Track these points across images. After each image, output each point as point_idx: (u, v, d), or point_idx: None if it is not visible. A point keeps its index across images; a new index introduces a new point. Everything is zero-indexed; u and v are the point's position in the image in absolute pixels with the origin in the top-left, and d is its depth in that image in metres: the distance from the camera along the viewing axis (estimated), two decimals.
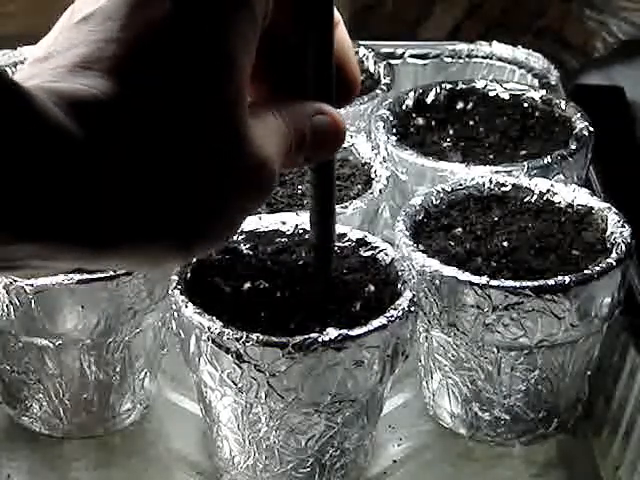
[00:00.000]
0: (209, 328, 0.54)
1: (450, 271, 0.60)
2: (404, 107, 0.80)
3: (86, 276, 0.59)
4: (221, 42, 0.41)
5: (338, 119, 0.48)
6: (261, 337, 0.53)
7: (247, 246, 0.62)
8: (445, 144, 0.76)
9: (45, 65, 0.40)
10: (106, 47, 0.40)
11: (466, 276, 0.59)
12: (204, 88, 0.40)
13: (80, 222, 0.37)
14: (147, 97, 0.39)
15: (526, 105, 0.80)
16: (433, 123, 0.79)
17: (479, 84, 0.82)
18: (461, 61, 0.95)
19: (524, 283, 0.59)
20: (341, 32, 0.50)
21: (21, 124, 0.35)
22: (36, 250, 0.37)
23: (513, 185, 0.68)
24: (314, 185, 0.52)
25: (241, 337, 0.53)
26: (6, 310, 0.60)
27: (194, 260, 0.60)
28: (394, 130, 0.77)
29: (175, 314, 0.57)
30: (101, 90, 0.38)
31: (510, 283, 0.59)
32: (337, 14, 0.49)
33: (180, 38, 0.40)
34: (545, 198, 0.67)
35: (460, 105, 0.80)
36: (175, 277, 0.59)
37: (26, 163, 0.35)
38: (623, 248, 0.62)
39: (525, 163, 0.71)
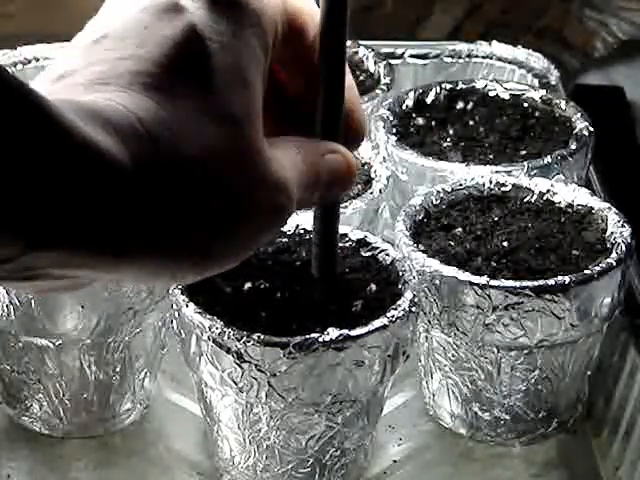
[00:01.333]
0: (210, 328, 0.54)
1: (450, 271, 0.60)
2: (404, 107, 0.79)
3: None
4: (235, 61, 0.41)
5: (350, 158, 0.48)
6: (262, 337, 0.53)
7: None
8: (445, 144, 0.76)
9: (62, 83, 0.40)
10: (123, 64, 0.40)
11: (466, 276, 0.59)
12: (218, 104, 0.40)
13: (100, 231, 0.37)
14: (174, 119, 0.39)
15: (526, 105, 0.80)
16: (433, 123, 0.79)
17: (479, 84, 0.82)
18: (461, 61, 0.95)
19: (524, 283, 0.59)
20: (353, 91, 0.49)
21: (55, 143, 0.35)
22: (54, 258, 0.37)
23: (513, 185, 0.68)
24: (319, 218, 0.53)
25: (242, 337, 0.53)
26: (6, 310, 0.60)
27: None
28: (394, 130, 0.77)
29: (175, 314, 0.57)
30: (133, 107, 0.38)
31: (510, 283, 0.59)
32: (351, 77, 0.49)
33: (195, 54, 0.40)
34: (545, 198, 0.67)
35: (460, 105, 0.80)
36: None
37: (56, 181, 0.35)
38: (623, 248, 0.62)
39: (525, 163, 0.71)
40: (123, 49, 0.40)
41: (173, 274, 0.41)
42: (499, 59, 0.95)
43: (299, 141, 0.47)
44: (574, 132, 0.75)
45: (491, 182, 0.68)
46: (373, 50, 0.89)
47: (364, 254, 0.61)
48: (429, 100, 0.81)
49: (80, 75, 0.40)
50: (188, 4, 0.42)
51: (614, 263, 0.61)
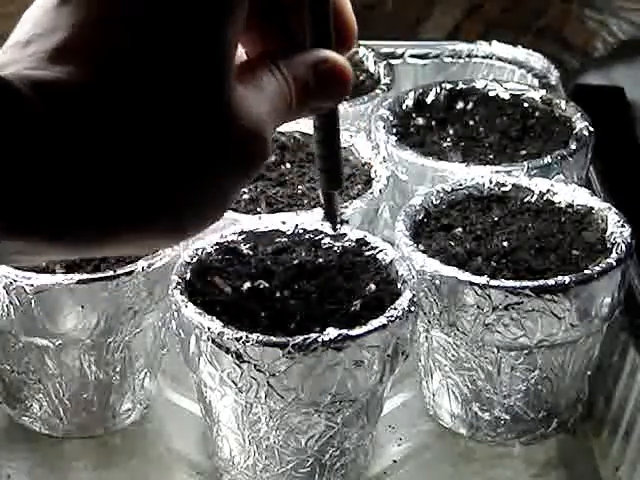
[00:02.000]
0: (209, 328, 0.54)
1: (450, 271, 0.60)
2: (404, 107, 0.80)
3: (86, 276, 0.59)
4: (201, 17, 0.40)
5: (343, 64, 0.47)
6: (261, 337, 0.53)
7: (247, 246, 0.62)
8: (445, 144, 0.76)
9: (25, 51, 0.40)
10: (85, 31, 0.39)
11: (466, 276, 0.59)
12: (183, 63, 0.40)
13: (69, 208, 0.37)
14: (124, 69, 0.39)
15: (526, 105, 0.80)
16: (433, 123, 0.79)
17: (479, 84, 0.82)
18: (461, 61, 0.95)
19: (524, 283, 0.59)
20: None
21: None
22: (19, 245, 0.36)
23: (513, 185, 0.68)
24: (319, 128, 0.51)
25: (241, 337, 0.53)
26: (6, 310, 0.60)
27: (194, 260, 0.60)
28: (394, 130, 0.77)
29: (175, 314, 0.57)
30: (73, 75, 0.38)
31: (510, 283, 0.59)
32: None
33: (164, 18, 0.40)
34: (545, 198, 0.67)
35: (460, 105, 0.80)
36: (175, 277, 0.59)
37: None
38: (623, 248, 0.62)
39: (525, 163, 0.71)
40: (86, 13, 0.40)
41: (151, 243, 0.41)
42: (499, 59, 0.95)
43: (284, 56, 0.46)
44: (574, 132, 0.75)
45: (491, 182, 0.68)
46: (373, 50, 0.89)
47: (364, 254, 0.61)
48: (429, 100, 0.81)
49: (43, 42, 0.40)
50: None
51: (614, 263, 0.61)
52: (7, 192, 0.35)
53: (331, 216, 0.55)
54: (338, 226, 0.57)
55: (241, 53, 0.47)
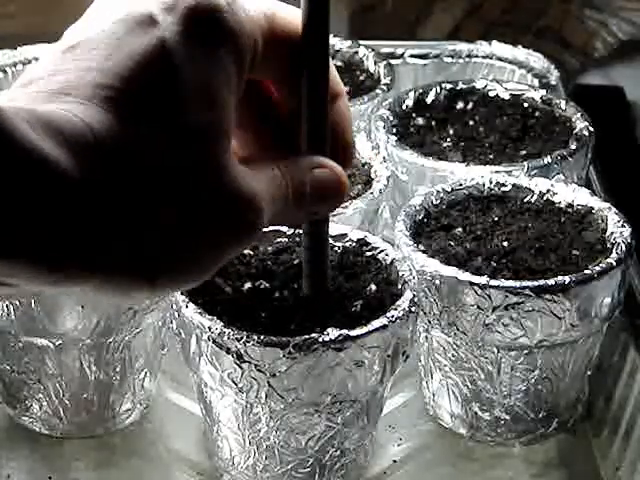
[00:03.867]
0: (209, 328, 0.54)
1: (450, 271, 0.60)
2: (404, 107, 0.80)
3: None
4: (203, 78, 0.41)
5: (339, 172, 0.48)
6: (262, 337, 0.53)
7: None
8: (445, 144, 0.76)
9: (26, 90, 0.40)
10: (87, 75, 0.40)
11: (466, 276, 0.59)
12: (181, 122, 0.40)
13: (39, 241, 0.36)
14: (129, 132, 0.39)
15: (526, 105, 0.80)
16: (433, 123, 0.79)
17: (479, 84, 0.82)
18: (461, 61, 0.95)
19: (524, 283, 0.59)
20: (343, 105, 0.49)
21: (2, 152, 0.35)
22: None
23: (513, 185, 0.68)
24: (308, 235, 0.52)
25: (242, 337, 0.53)
26: (6, 310, 0.60)
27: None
28: (394, 130, 0.77)
29: (175, 314, 0.57)
30: (89, 120, 0.38)
31: (510, 283, 0.59)
32: (342, 86, 0.49)
33: (162, 70, 0.40)
34: (545, 198, 0.67)
35: (460, 105, 0.80)
36: None
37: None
38: (623, 248, 0.62)
39: (525, 163, 0.71)
40: (90, 60, 0.41)
41: (124, 292, 0.41)
42: (499, 59, 0.95)
43: (283, 159, 0.46)
44: (574, 132, 0.75)
45: (491, 182, 0.68)
46: (373, 50, 0.89)
47: (364, 254, 0.61)
48: (429, 100, 0.81)
49: (45, 83, 0.40)
50: (162, 18, 0.41)
51: (614, 263, 0.61)
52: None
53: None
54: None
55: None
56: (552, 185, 0.68)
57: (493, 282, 0.59)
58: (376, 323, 0.55)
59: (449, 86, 0.81)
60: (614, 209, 0.65)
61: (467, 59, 0.95)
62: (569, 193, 0.67)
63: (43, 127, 0.37)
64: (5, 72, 0.89)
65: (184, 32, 0.41)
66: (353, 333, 0.54)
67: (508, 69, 0.94)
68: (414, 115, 0.79)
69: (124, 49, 0.41)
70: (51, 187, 0.36)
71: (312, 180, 0.47)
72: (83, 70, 0.40)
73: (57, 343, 0.61)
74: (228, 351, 0.54)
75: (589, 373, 0.65)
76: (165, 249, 0.40)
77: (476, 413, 0.64)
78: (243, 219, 0.43)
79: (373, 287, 0.58)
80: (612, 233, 0.63)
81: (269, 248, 0.61)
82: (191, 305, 0.56)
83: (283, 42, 0.46)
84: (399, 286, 0.58)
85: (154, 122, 0.40)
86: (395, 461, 0.64)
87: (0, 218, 0.35)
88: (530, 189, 0.68)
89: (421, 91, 0.81)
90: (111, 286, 0.40)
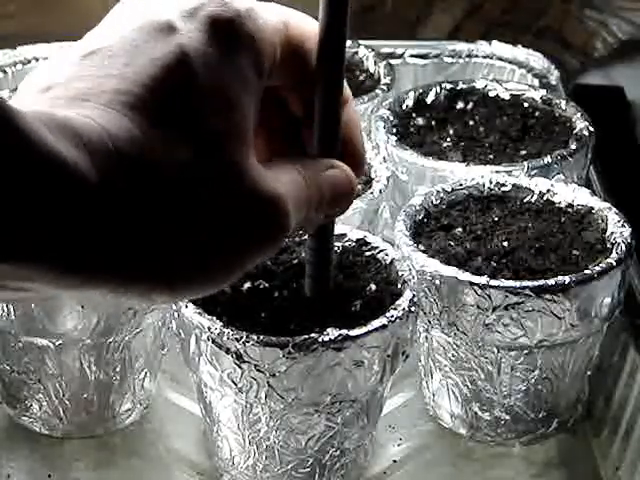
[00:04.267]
0: (209, 328, 0.54)
1: (450, 271, 0.60)
2: (404, 107, 0.80)
3: None
4: (222, 84, 0.41)
5: (350, 173, 0.48)
6: (261, 337, 0.53)
7: None
8: (445, 144, 0.76)
9: (45, 95, 0.40)
10: (107, 82, 0.40)
11: (466, 276, 0.59)
12: (201, 128, 0.40)
13: (58, 245, 0.36)
14: (149, 137, 0.39)
15: (526, 105, 0.80)
16: (433, 123, 0.79)
17: (479, 84, 0.82)
18: (461, 61, 0.95)
19: (524, 283, 0.59)
20: (351, 110, 0.49)
21: (18, 153, 0.34)
22: (8, 271, 0.36)
23: (513, 185, 0.68)
24: (314, 236, 0.52)
25: (241, 337, 0.53)
26: (6, 310, 0.60)
27: None
28: (394, 130, 0.77)
29: (175, 314, 0.57)
30: (108, 125, 0.38)
31: (510, 283, 0.59)
32: (349, 91, 0.49)
33: (182, 76, 0.40)
34: (545, 198, 0.67)
35: (460, 105, 0.80)
36: None
37: (14, 189, 0.34)
38: (623, 248, 0.62)
39: (525, 163, 0.71)
40: (109, 67, 0.40)
41: (145, 296, 0.40)
42: (499, 59, 0.95)
43: (300, 160, 0.46)
44: (574, 132, 0.75)
45: (491, 182, 0.68)
46: (373, 50, 0.89)
47: (363, 254, 0.61)
48: (429, 100, 0.81)
49: (64, 89, 0.40)
50: (181, 25, 0.41)
51: (614, 263, 0.61)
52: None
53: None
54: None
55: None
56: (552, 185, 0.68)
57: (493, 282, 0.59)
58: (376, 323, 0.55)
59: (449, 86, 0.81)
60: (614, 209, 0.65)
61: (467, 59, 0.95)
62: (569, 193, 0.67)
63: (62, 131, 0.37)
64: (5, 72, 0.89)
65: (204, 39, 0.41)
66: (353, 333, 0.54)
67: (508, 69, 0.94)
68: (414, 115, 0.79)
69: (143, 56, 0.41)
70: (69, 190, 0.36)
71: (327, 181, 0.46)
72: (102, 77, 0.40)
73: (57, 343, 0.61)
74: (228, 351, 0.54)
75: (589, 373, 0.65)
76: (188, 256, 0.40)
77: (476, 413, 0.64)
78: (270, 222, 0.42)
79: (373, 287, 0.58)
80: (612, 233, 0.63)
81: None
82: (191, 305, 0.56)
83: (297, 48, 0.46)
84: (399, 286, 0.58)
85: (174, 128, 0.40)
86: (395, 461, 0.64)
87: (19, 221, 0.35)
88: (530, 189, 0.68)
89: (421, 91, 0.81)
90: (130, 290, 0.40)
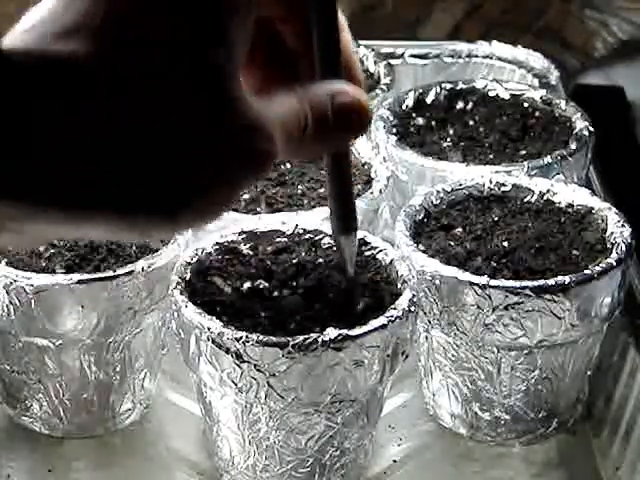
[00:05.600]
0: (209, 328, 0.54)
1: (450, 271, 0.60)
2: (404, 107, 0.80)
3: (86, 276, 0.59)
4: (212, 15, 0.40)
5: (361, 94, 0.46)
6: (261, 337, 0.53)
7: (247, 246, 0.62)
8: (445, 144, 0.76)
9: (31, 34, 0.40)
10: (97, 11, 0.39)
11: (466, 276, 0.59)
12: (192, 58, 0.40)
13: (55, 184, 0.36)
14: (129, 60, 0.39)
15: (526, 105, 0.80)
16: (433, 123, 0.79)
17: (479, 84, 0.82)
18: (461, 61, 0.95)
19: (524, 283, 0.59)
20: (345, 37, 0.48)
21: None
22: (9, 211, 0.36)
23: (513, 185, 0.68)
24: (331, 167, 0.51)
25: (241, 337, 0.53)
26: (6, 310, 0.60)
27: (194, 260, 0.60)
28: (394, 130, 0.77)
29: (175, 314, 0.57)
30: (80, 51, 0.38)
31: (510, 283, 0.59)
32: (343, 19, 0.48)
33: (171, 8, 0.40)
34: (545, 198, 0.67)
35: (460, 105, 0.80)
36: (175, 277, 0.59)
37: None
38: (623, 248, 0.62)
39: (525, 163, 0.71)
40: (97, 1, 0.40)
41: (145, 229, 0.40)
42: (499, 59, 0.95)
43: (300, 85, 0.45)
44: (574, 132, 0.75)
45: (491, 182, 0.68)
46: (373, 50, 0.89)
47: (363, 253, 0.61)
48: (429, 100, 0.81)
49: (51, 25, 0.40)
50: None
51: (614, 263, 0.61)
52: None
53: (345, 260, 0.56)
54: (351, 270, 0.56)
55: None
56: (552, 185, 0.68)
57: (493, 282, 0.59)
58: (375, 323, 0.55)
59: (449, 86, 0.81)
60: (614, 209, 0.65)
61: (467, 59, 0.95)
62: (569, 193, 0.67)
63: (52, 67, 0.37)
64: None
65: None
66: (352, 333, 0.54)
67: (508, 69, 0.94)
68: (414, 115, 0.79)
69: None
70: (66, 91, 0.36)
71: (335, 105, 0.45)
72: (92, 7, 0.40)
73: (57, 343, 0.61)
74: (227, 351, 0.54)
75: (589, 373, 0.65)
76: (183, 183, 0.40)
77: (476, 413, 0.64)
78: (254, 148, 0.42)
79: (373, 287, 0.58)
80: (612, 233, 0.63)
81: (269, 248, 0.61)
82: (191, 305, 0.56)
83: None
84: (398, 286, 0.58)
85: (165, 58, 0.39)
86: (395, 461, 0.64)
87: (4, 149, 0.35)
88: (530, 189, 0.68)
89: (421, 91, 0.81)
90: (129, 221, 0.39)
